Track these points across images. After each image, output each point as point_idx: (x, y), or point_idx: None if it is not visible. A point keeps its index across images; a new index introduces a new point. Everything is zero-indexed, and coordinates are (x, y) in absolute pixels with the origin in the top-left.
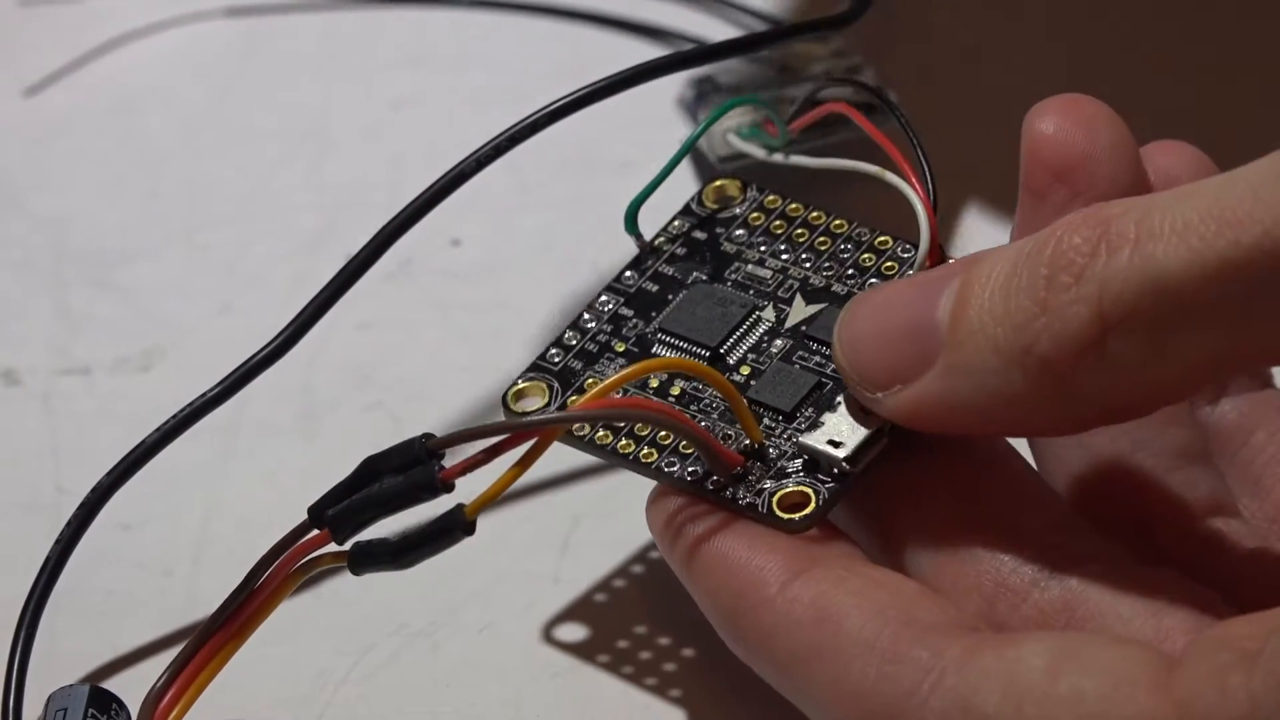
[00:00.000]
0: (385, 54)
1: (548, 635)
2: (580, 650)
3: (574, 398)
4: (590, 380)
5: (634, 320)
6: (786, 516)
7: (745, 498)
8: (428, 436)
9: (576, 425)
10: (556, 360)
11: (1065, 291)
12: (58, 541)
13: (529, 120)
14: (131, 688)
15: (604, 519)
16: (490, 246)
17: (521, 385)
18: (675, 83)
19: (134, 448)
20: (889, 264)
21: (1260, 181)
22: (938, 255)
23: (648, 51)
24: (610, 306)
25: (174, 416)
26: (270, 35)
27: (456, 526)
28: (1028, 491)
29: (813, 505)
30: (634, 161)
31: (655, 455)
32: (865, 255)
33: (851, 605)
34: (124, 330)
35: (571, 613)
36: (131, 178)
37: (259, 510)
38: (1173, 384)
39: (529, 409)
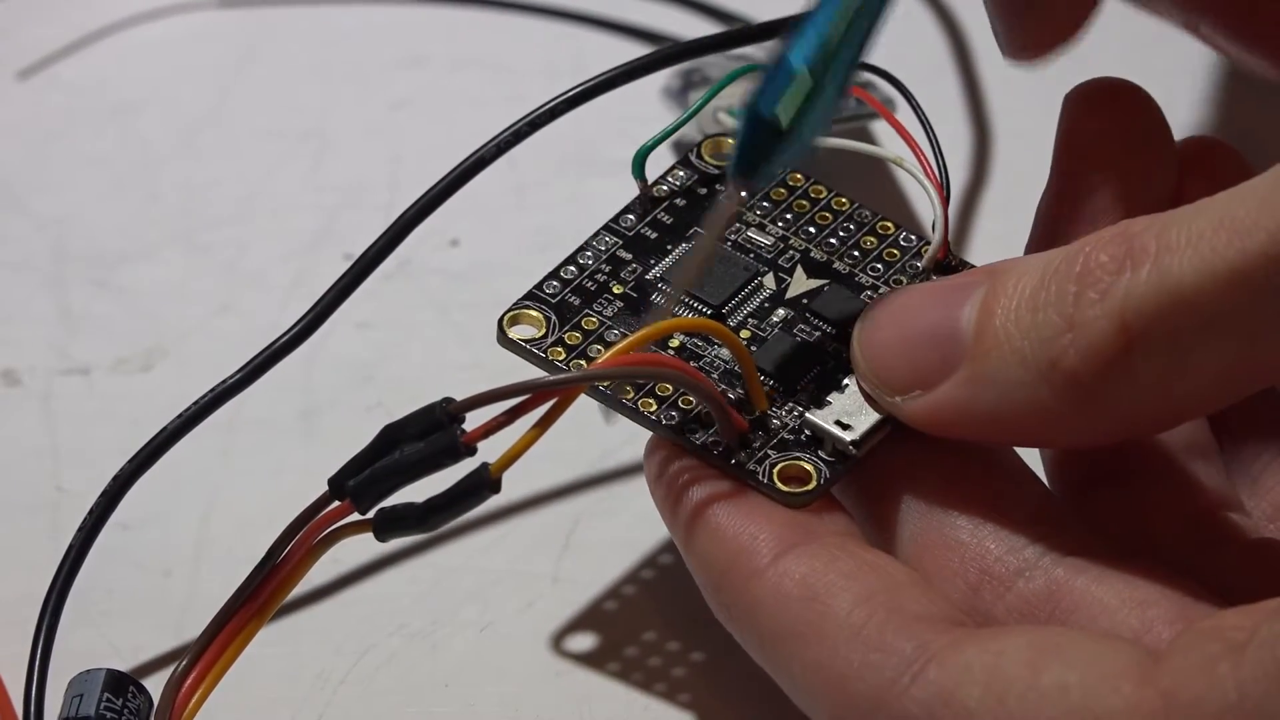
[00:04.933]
0: (385, 54)
1: (547, 637)
2: (581, 651)
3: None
4: (587, 318)
5: (633, 265)
6: (786, 490)
7: (746, 463)
8: (448, 400)
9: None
10: (553, 292)
11: (1091, 307)
12: (80, 529)
13: (535, 115)
14: None
15: (604, 519)
16: (488, 246)
17: (517, 311)
18: (666, 79)
19: (157, 433)
20: (891, 250)
21: (1267, 189)
22: (947, 249)
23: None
24: (608, 246)
25: (196, 402)
26: (269, 34)
27: (483, 485)
28: (1017, 481)
29: (814, 483)
30: (629, 160)
31: (655, 406)
32: (868, 238)
33: (841, 587)
34: (124, 330)
35: (571, 613)
36: (131, 178)
37: (259, 510)
38: (1196, 398)
39: (523, 336)
